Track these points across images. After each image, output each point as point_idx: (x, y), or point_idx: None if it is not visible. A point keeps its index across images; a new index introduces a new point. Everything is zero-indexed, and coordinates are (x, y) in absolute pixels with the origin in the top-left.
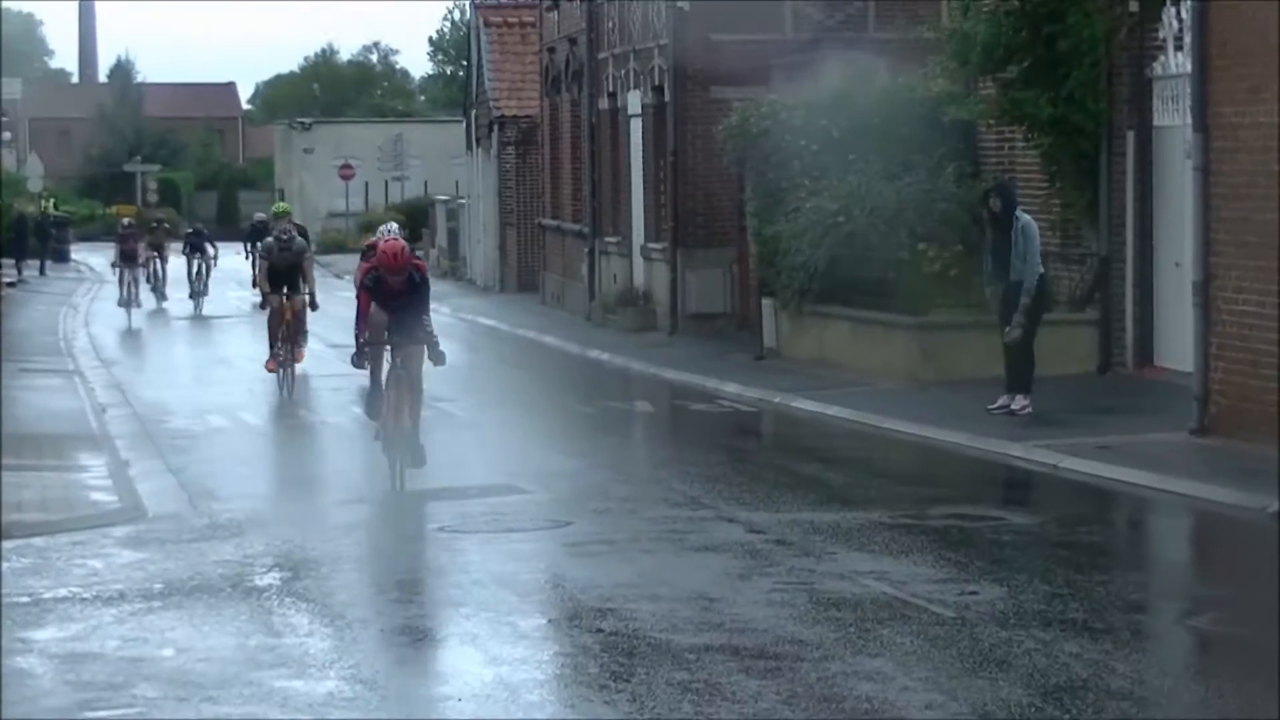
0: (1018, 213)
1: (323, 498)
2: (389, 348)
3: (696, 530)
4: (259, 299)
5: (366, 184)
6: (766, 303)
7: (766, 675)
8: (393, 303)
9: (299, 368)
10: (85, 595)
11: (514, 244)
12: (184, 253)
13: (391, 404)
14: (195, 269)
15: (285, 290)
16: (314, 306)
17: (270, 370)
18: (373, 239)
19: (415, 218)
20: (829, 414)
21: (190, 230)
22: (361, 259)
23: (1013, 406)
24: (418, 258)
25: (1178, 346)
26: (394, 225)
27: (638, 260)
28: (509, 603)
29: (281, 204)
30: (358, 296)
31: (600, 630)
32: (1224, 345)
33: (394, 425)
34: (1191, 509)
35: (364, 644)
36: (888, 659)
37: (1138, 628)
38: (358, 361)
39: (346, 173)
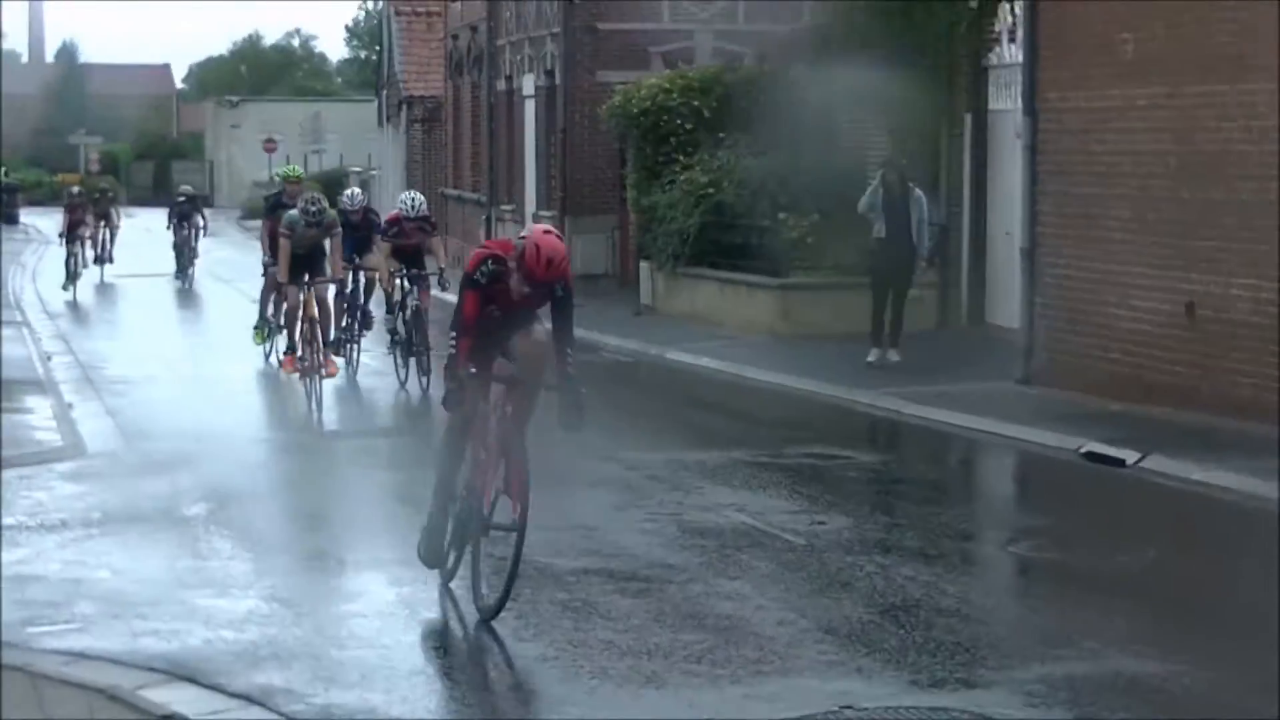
0: (911, 184)
1: (248, 436)
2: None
3: (580, 468)
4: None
5: (288, 156)
6: (644, 265)
7: (638, 595)
8: (510, 318)
9: (329, 384)
10: (30, 524)
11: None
12: (170, 223)
13: (482, 470)
14: (183, 238)
15: (307, 277)
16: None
17: (289, 370)
18: (395, 212)
19: (331, 187)
20: (699, 364)
21: (181, 199)
22: (383, 237)
23: (889, 358)
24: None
25: (1006, 306)
26: (419, 196)
27: (530, 226)
28: (412, 531)
29: (292, 167)
30: (462, 298)
31: (491, 555)
32: (1046, 305)
33: (479, 501)
34: (1015, 449)
35: (281, 567)
36: (745, 581)
37: (966, 554)
38: (454, 401)
39: (270, 146)
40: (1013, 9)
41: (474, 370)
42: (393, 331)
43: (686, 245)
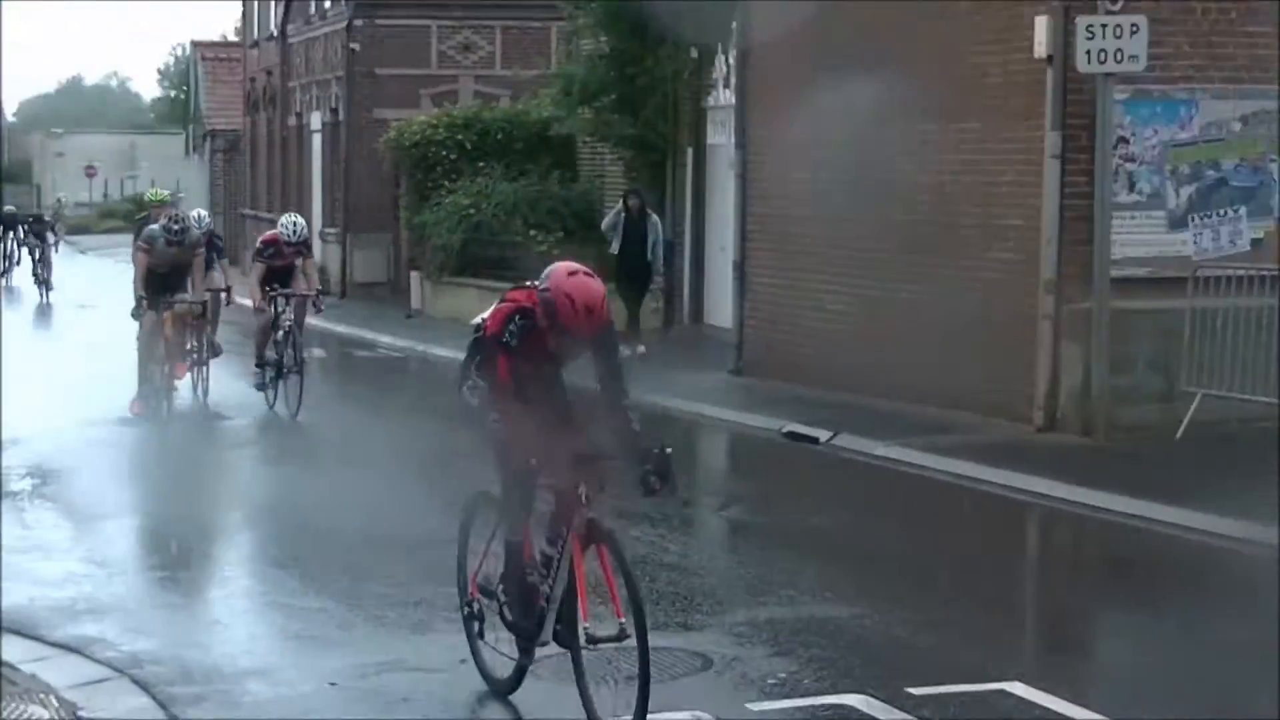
0: (649, 210)
1: (71, 419)
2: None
3: (356, 444)
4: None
5: (106, 181)
6: (415, 274)
7: (407, 555)
8: (550, 379)
9: (177, 391)
10: None
11: (221, 228)
12: (23, 242)
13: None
14: (38, 256)
15: (168, 297)
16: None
17: (135, 413)
18: (273, 233)
19: (144, 208)
20: (459, 358)
21: (31, 218)
22: (256, 257)
23: (639, 350)
24: None
25: (721, 309)
26: (300, 220)
27: (316, 241)
28: (216, 501)
29: (156, 191)
30: (490, 366)
31: (283, 522)
32: (754, 309)
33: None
34: (727, 430)
35: (97, 535)
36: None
37: (685, 518)
38: (518, 509)
39: (91, 172)
40: (727, 59)
41: (534, 462)
42: (261, 366)
43: (451, 258)
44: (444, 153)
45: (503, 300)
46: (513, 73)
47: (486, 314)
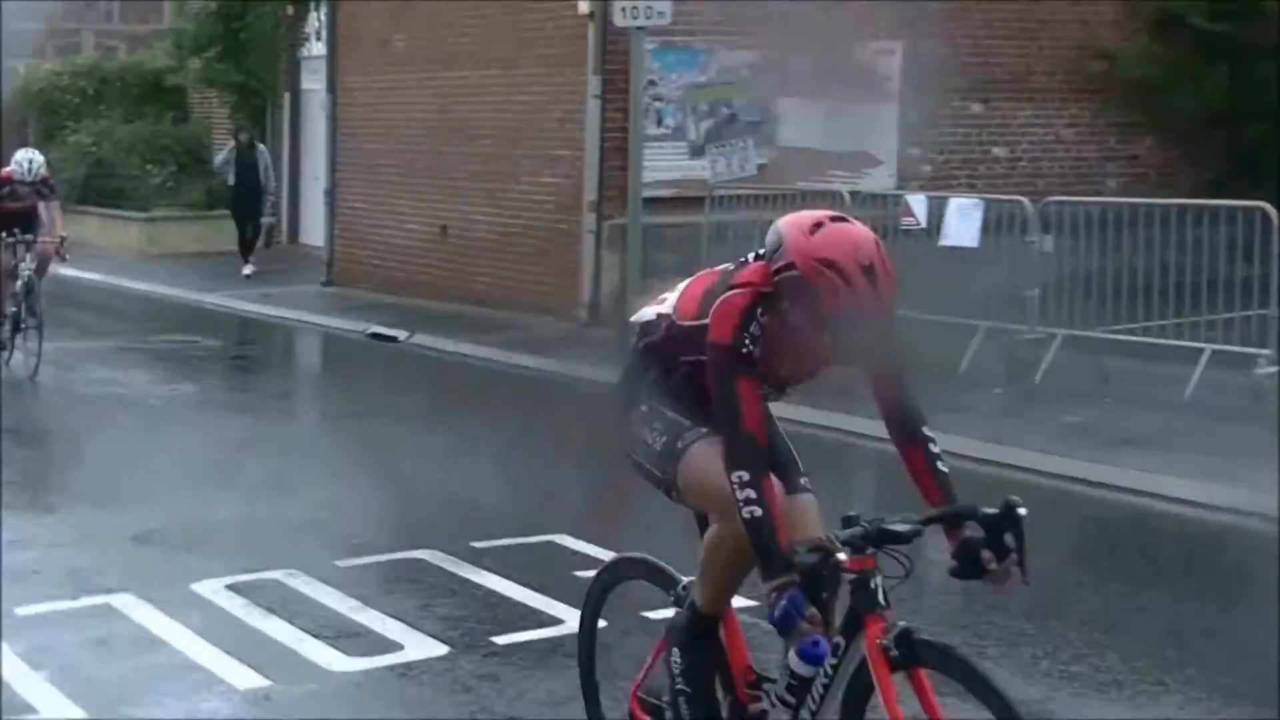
0: (256, 143)
1: None
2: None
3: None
4: None
5: None
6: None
7: (34, 446)
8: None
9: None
10: None
11: None
12: None
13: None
14: None
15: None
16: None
17: None
18: (8, 170)
19: None
20: (85, 277)
21: None
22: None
23: (248, 272)
24: None
25: (314, 230)
26: (39, 156)
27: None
28: None
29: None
30: (730, 389)
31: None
32: (342, 230)
33: None
34: (320, 333)
35: None
36: (118, 433)
37: (283, 409)
38: (793, 621)
39: None
40: (319, 16)
41: (843, 553)
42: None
43: (76, 189)
44: (69, 98)
45: (731, 286)
46: (130, 28)
47: (667, 306)
